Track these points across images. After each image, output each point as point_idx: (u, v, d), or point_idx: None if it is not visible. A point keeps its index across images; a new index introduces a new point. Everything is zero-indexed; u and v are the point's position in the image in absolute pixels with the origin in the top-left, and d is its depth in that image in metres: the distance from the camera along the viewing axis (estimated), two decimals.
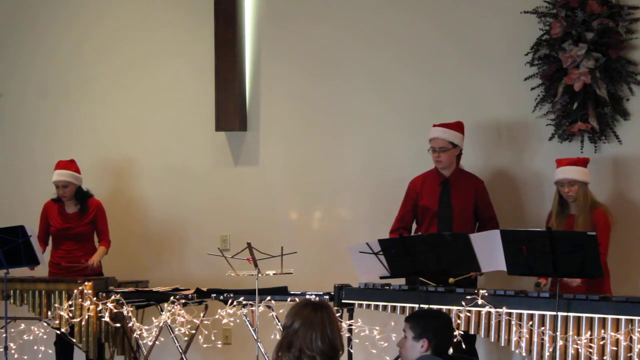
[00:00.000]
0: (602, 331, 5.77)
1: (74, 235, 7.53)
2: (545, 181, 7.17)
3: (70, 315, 7.12)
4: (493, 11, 7.36)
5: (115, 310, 7.05)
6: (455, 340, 5.97)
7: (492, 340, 6.09)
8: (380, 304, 6.43)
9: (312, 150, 7.85)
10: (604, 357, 5.74)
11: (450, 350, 4.92)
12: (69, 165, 7.56)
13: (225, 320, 6.89)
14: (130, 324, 7.13)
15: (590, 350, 5.77)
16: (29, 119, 8.54)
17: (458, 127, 6.84)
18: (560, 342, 5.82)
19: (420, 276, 6.20)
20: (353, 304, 6.56)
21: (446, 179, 6.85)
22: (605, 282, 6.35)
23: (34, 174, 8.29)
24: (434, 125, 6.85)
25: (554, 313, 5.79)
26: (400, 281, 6.55)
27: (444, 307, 6.12)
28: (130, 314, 7.07)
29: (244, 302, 6.80)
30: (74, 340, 7.18)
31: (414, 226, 6.98)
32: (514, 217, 7.19)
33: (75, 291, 7.12)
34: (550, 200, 6.91)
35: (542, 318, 5.93)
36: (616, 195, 6.84)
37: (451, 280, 6.38)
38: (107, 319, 7.04)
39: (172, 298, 7.00)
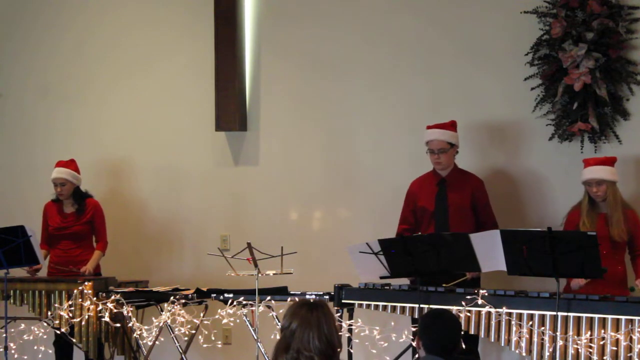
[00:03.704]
0: (602, 331, 5.76)
1: (70, 234, 7.52)
2: (545, 181, 7.18)
3: (70, 315, 7.11)
4: (493, 11, 7.35)
5: (115, 310, 7.05)
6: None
7: (492, 340, 6.09)
8: (380, 304, 6.42)
9: (312, 150, 7.85)
10: (604, 357, 5.73)
11: None
12: (69, 164, 7.56)
13: (225, 320, 6.88)
14: (130, 324, 7.13)
15: (590, 350, 5.76)
16: (29, 119, 8.53)
17: (452, 126, 6.84)
18: (560, 342, 5.82)
19: (419, 276, 6.18)
20: (353, 304, 6.55)
21: (443, 179, 6.85)
22: None
23: (34, 174, 8.28)
24: (429, 127, 6.85)
25: (554, 313, 5.79)
26: (399, 281, 6.54)
27: (444, 308, 6.10)
28: (130, 314, 7.07)
29: (244, 302, 6.80)
30: (74, 340, 7.18)
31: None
32: (513, 217, 7.18)
33: (75, 291, 7.11)
34: (549, 199, 6.93)
35: (542, 318, 5.92)
36: None
37: (444, 285, 6.33)
38: (107, 319, 7.04)
39: (172, 298, 7.00)
